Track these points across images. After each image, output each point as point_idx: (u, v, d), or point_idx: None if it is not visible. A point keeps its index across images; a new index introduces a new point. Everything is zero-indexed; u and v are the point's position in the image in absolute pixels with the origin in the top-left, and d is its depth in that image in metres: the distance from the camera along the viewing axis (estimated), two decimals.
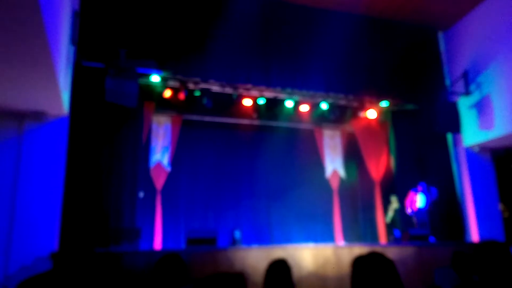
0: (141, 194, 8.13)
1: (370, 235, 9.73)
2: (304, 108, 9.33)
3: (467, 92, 8.91)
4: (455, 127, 8.67)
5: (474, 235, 8.67)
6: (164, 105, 8.79)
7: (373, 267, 1.88)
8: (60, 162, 6.22)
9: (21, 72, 4.66)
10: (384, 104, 9.29)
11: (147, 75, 7.60)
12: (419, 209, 8.96)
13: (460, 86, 9.01)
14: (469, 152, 9.14)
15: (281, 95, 8.83)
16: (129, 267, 5.62)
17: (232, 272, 1.79)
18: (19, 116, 6.06)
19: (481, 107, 8.71)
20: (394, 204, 9.74)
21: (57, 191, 6.10)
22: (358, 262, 1.94)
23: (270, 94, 8.76)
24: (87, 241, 6.21)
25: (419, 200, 9.03)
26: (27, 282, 1.43)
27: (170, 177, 9.15)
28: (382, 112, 9.78)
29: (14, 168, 5.93)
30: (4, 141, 5.99)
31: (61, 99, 5.63)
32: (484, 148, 9.09)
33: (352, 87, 8.72)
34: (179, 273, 2.74)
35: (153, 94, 8.20)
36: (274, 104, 9.15)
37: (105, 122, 7.08)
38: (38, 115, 6.06)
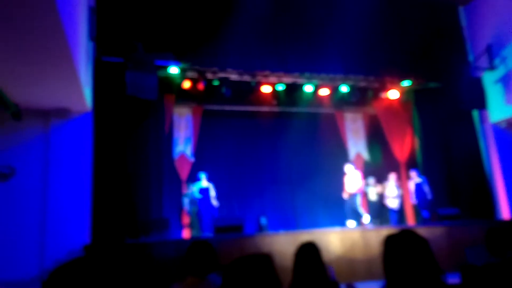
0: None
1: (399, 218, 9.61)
2: (324, 92, 9.23)
3: (492, 67, 8.65)
4: (481, 103, 8.44)
5: (504, 212, 8.48)
6: (184, 96, 8.84)
7: (406, 245, 1.83)
8: (87, 157, 6.35)
9: (43, 71, 4.75)
10: (406, 83, 9.12)
11: (166, 67, 7.65)
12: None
13: (484, 61, 8.75)
14: (496, 128, 8.90)
15: (300, 80, 8.76)
16: (159, 257, 5.72)
17: (258, 253, 1.80)
18: (45, 114, 6.21)
19: (507, 81, 8.45)
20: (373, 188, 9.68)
21: (86, 185, 6.24)
22: (390, 241, 1.90)
23: (288, 79, 8.70)
24: (117, 233, 6.34)
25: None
26: (59, 270, 1.46)
27: (194, 167, 9.23)
28: (404, 92, 9.61)
29: (43, 165, 6.09)
30: (32, 139, 6.15)
31: (83, 95, 5.73)
32: (511, 123, 8.83)
33: (372, 68, 8.57)
34: (210, 259, 2.77)
35: (172, 86, 8.26)
36: (293, 90, 9.09)
37: (127, 115, 7.17)
38: (63, 112, 6.20)
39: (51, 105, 6.01)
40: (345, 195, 9.17)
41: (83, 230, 6.07)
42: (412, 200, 9.26)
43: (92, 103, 6.49)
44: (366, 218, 8.92)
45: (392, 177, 9.61)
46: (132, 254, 5.78)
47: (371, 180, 9.78)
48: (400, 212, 9.52)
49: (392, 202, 9.48)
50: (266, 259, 1.79)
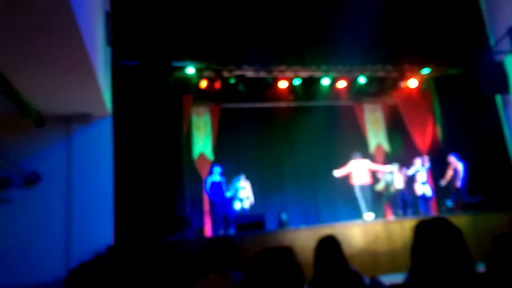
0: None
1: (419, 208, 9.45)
2: (341, 84, 9.15)
3: None
4: (504, 88, 8.25)
5: None
6: (201, 96, 8.91)
7: (438, 233, 1.78)
8: (108, 160, 6.48)
9: (63, 77, 4.85)
10: (425, 71, 8.95)
11: (183, 68, 7.71)
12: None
13: (505, 44, 8.49)
14: None
15: (316, 74, 8.70)
16: (182, 255, 5.80)
17: (280, 246, 1.81)
18: (67, 119, 6.35)
19: None
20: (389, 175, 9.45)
21: (108, 187, 6.37)
22: (421, 228, 1.85)
23: (305, 73, 8.65)
24: (140, 233, 6.45)
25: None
26: (80, 268, 1.50)
27: (211, 166, 9.30)
28: (424, 80, 9.44)
29: (67, 170, 6.24)
30: (55, 145, 6.30)
31: (103, 100, 5.84)
32: None
33: (390, 57, 8.44)
34: (230, 256, 2.80)
35: (189, 86, 8.32)
36: (310, 84, 9.03)
37: (146, 117, 7.27)
38: (84, 117, 6.33)
39: (72, 110, 6.14)
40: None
41: (107, 232, 6.21)
42: (457, 184, 8.73)
43: (111, 107, 6.61)
44: (369, 216, 8.74)
45: (418, 162, 9.25)
46: (156, 252, 5.88)
47: (395, 167, 9.38)
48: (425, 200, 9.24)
49: (422, 188, 9.15)
50: (288, 252, 1.80)
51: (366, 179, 9.10)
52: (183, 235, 7.02)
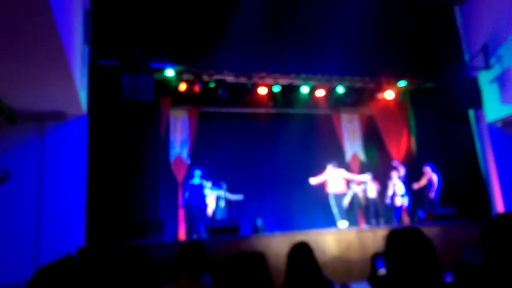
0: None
1: (392, 217, 9.61)
2: (320, 93, 9.25)
3: (487, 66, 8.66)
4: (477, 103, 8.47)
5: (500, 212, 8.47)
6: (180, 99, 8.85)
7: (410, 242, 1.82)
8: (82, 160, 6.36)
9: (38, 74, 4.75)
10: (402, 83, 9.13)
11: (162, 70, 7.66)
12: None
13: (479, 60, 8.76)
14: (492, 127, 8.90)
15: (296, 82, 8.77)
16: (155, 259, 5.72)
17: (250, 252, 1.80)
18: (40, 117, 6.21)
19: (503, 80, 8.45)
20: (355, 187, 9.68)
21: (81, 188, 6.25)
22: (394, 237, 1.89)
23: (285, 81, 8.71)
24: (113, 236, 6.35)
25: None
26: (44, 270, 1.47)
27: (191, 169, 9.22)
28: (400, 92, 9.63)
29: (38, 168, 6.09)
30: (27, 143, 6.15)
31: (78, 98, 5.74)
32: (507, 122, 8.84)
33: (368, 69, 8.59)
34: (201, 260, 2.78)
35: (168, 88, 8.26)
36: (290, 91, 9.10)
37: (123, 118, 7.19)
38: (58, 115, 6.20)
39: (46, 108, 6.02)
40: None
41: (78, 233, 6.08)
42: (432, 195, 8.90)
43: (87, 106, 6.50)
44: (343, 224, 8.85)
45: (395, 175, 9.51)
46: (128, 256, 5.79)
47: (369, 176, 9.63)
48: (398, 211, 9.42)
49: (400, 200, 9.31)
50: (258, 257, 1.79)
51: (341, 188, 9.21)
52: (156, 239, 6.93)
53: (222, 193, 8.97)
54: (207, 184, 8.69)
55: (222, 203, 8.97)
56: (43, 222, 5.90)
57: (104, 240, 6.23)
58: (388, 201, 9.36)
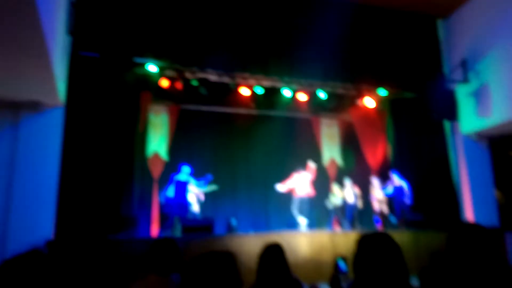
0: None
1: (365, 222, 9.77)
2: (302, 97, 9.30)
3: (466, 80, 8.88)
4: (452, 115, 8.70)
5: (470, 221, 8.72)
6: (161, 95, 8.75)
7: (379, 246, 1.86)
8: (56, 152, 6.26)
9: (16, 62, 4.66)
10: (382, 92, 9.27)
11: (144, 65, 7.58)
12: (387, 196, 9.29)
13: (458, 74, 8.98)
14: (466, 139, 9.14)
15: (278, 84, 8.80)
16: (126, 255, 5.67)
17: (221, 251, 1.82)
18: (15, 106, 6.08)
19: (479, 95, 8.69)
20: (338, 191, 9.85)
21: (53, 180, 6.14)
22: (364, 241, 1.94)
23: (267, 83, 8.74)
24: (83, 230, 6.26)
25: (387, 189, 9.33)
26: (9, 262, 1.45)
27: (167, 167, 9.16)
28: (380, 101, 9.77)
29: (10, 158, 5.96)
30: (0, 131, 6.01)
31: (56, 89, 5.65)
32: (481, 135, 9.10)
33: (350, 75, 8.70)
34: (172, 258, 2.77)
35: (149, 83, 8.16)
36: (272, 93, 9.12)
37: (101, 111, 7.09)
38: (34, 105, 6.09)
39: (22, 97, 5.89)
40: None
41: (48, 226, 5.97)
42: (406, 201, 9.07)
43: (65, 97, 6.40)
44: (302, 221, 9.00)
45: (376, 180, 9.70)
46: (98, 250, 5.72)
47: (348, 181, 9.80)
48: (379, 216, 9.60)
49: (380, 206, 9.52)
50: (229, 257, 1.81)
51: (308, 191, 9.28)
52: (128, 234, 6.86)
53: (207, 189, 8.96)
54: (193, 182, 8.66)
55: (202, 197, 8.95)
56: (12, 213, 5.77)
57: (74, 234, 6.13)
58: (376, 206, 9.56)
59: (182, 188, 8.34)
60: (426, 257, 6.08)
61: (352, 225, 9.34)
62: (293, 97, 9.25)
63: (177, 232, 7.94)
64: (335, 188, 10.00)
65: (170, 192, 8.37)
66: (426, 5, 9.14)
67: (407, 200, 8.97)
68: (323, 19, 8.42)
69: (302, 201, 9.19)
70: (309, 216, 9.17)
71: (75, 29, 6.46)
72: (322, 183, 10.69)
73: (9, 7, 3.49)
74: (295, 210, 9.21)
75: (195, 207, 8.86)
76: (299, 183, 9.28)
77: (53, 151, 6.25)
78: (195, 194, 8.89)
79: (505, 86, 8.09)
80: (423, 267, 3.80)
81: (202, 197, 9.03)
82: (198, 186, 8.80)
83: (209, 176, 8.95)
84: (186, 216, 8.27)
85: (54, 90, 5.65)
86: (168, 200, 8.43)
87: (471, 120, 8.88)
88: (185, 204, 8.39)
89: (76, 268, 5.30)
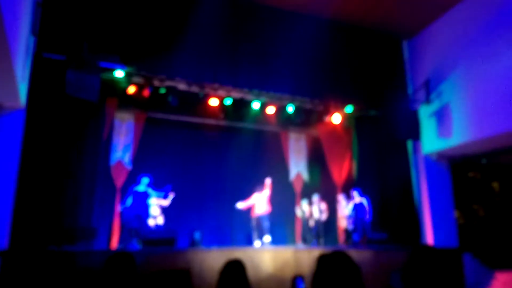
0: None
1: (330, 238, 9.83)
2: (271, 110, 9.34)
3: (428, 101, 9.16)
4: (415, 135, 8.95)
5: (429, 240, 8.93)
6: (127, 102, 8.55)
7: (337, 267, 1.87)
8: (13, 157, 5.98)
9: None
10: (348, 109, 9.44)
11: (111, 70, 7.41)
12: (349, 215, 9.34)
13: (421, 94, 9.27)
14: (428, 159, 9.41)
15: (248, 96, 8.82)
16: (83, 267, 5.44)
17: (177, 268, 1.76)
18: None
19: (441, 115, 8.97)
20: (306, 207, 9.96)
21: (8, 187, 5.86)
22: (323, 260, 1.94)
23: (237, 94, 8.73)
24: (39, 240, 5.99)
25: (347, 207, 9.42)
26: None
27: (131, 175, 8.92)
28: (346, 118, 9.93)
29: None
30: None
31: (17, 91, 5.43)
32: (442, 155, 9.38)
33: (318, 91, 8.83)
34: (128, 273, 2.66)
35: (116, 89, 7.95)
36: (241, 105, 9.11)
37: (64, 116, 6.85)
38: None
39: None
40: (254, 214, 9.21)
41: (2, 234, 5.68)
42: (365, 218, 9.11)
43: (26, 100, 6.15)
44: (259, 243, 8.89)
45: (342, 197, 9.80)
46: (53, 262, 5.47)
47: (316, 197, 9.84)
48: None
49: (344, 222, 9.57)
50: (184, 274, 1.75)
51: (265, 209, 9.20)
52: (86, 246, 6.60)
53: (166, 202, 8.72)
54: (153, 193, 8.44)
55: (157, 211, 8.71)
56: None
57: (29, 243, 5.85)
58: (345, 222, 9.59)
59: (140, 199, 8.15)
60: (387, 276, 6.18)
61: (317, 241, 9.38)
62: (262, 110, 9.28)
63: (136, 244, 7.73)
64: (303, 204, 10.02)
65: (128, 203, 8.16)
66: (392, 26, 9.42)
67: (367, 217, 9.08)
68: (293, 34, 8.55)
69: (261, 218, 9.11)
70: (271, 232, 9.10)
71: (40, 30, 6.25)
72: (288, 198, 10.72)
73: None
74: (253, 229, 9.11)
75: (160, 220, 8.63)
76: (258, 201, 9.21)
77: (11, 155, 5.97)
78: (158, 206, 8.67)
79: (465, 107, 8.38)
80: (386, 285, 3.85)
81: (166, 204, 8.75)
82: (158, 197, 8.59)
83: (169, 187, 8.75)
84: (143, 228, 8.05)
85: (15, 91, 5.43)
86: (126, 211, 8.21)
87: (432, 140, 9.15)
88: (143, 216, 8.19)
89: (30, 278, 5.06)
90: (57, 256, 5.53)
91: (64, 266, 5.44)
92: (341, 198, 9.85)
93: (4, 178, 5.85)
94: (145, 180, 8.29)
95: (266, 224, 9.00)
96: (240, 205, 9.22)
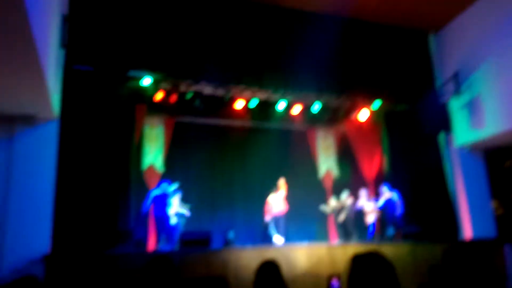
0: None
1: (364, 234, 9.72)
2: (297, 109, 9.33)
3: (458, 93, 8.96)
4: (445, 127, 8.82)
5: (467, 233, 8.71)
6: (156, 108, 8.73)
7: (372, 267, 1.86)
8: (51, 165, 6.19)
9: (10, 76, 4.63)
10: (376, 104, 9.32)
11: (139, 78, 7.58)
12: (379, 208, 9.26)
13: (451, 87, 9.06)
14: (461, 151, 9.19)
15: (273, 96, 8.83)
16: (123, 269, 5.60)
17: (213, 275, 1.80)
18: (10, 120, 6.03)
19: (472, 107, 8.76)
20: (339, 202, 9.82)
21: (48, 194, 6.07)
22: (357, 260, 1.94)
23: (262, 95, 8.76)
24: (80, 244, 6.18)
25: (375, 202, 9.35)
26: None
27: (164, 178, 9.09)
28: (374, 113, 9.81)
29: (5, 172, 5.90)
30: None
31: (50, 102, 5.61)
32: (475, 147, 9.14)
33: (345, 88, 8.76)
34: (168, 275, 2.73)
35: (144, 96, 8.12)
36: (267, 106, 9.13)
37: (96, 125, 7.05)
38: (28, 119, 6.04)
39: (16, 111, 5.85)
40: (268, 217, 9.16)
41: (44, 240, 5.89)
42: (396, 212, 9.00)
43: (59, 110, 6.36)
44: (279, 239, 8.85)
45: (363, 193, 9.70)
46: (95, 265, 5.64)
47: (346, 193, 9.78)
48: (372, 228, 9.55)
49: (370, 217, 9.50)
50: (222, 282, 1.79)
51: (281, 208, 9.16)
52: (124, 249, 6.77)
53: (184, 210, 8.79)
54: (174, 196, 8.57)
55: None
56: (8, 227, 5.70)
57: (71, 248, 6.06)
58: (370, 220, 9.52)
59: (160, 202, 8.31)
60: (425, 271, 6.07)
61: (350, 236, 9.30)
62: (288, 109, 9.27)
63: (172, 246, 7.88)
64: (332, 200, 9.95)
65: (149, 206, 8.33)
66: (418, 21, 9.26)
67: (398, 211, 8.93)
68: (318, 33, 8.52)
69: (277, 219, 9.05)
70: (303, 230, 9.06)
71: (69, 42, 6.45)
72: (318, 195, 10.66)
73: (0, 23, 3.47)
74: (272, 229, 9.07)
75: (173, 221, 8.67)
76: (275, 202, 9.17)
77: (48, 164, 6.18)
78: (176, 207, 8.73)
79: (497, 98, 8.18)
80: (421, 283, 3.79)
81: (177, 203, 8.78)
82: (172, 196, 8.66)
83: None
84: (171, 229, 8.21)
85: (48, 103, 5.62)
86: (148, 214, 8.38)
87: (465, 132, 8.94)
88: (165, 217, 8.32)
89: (74, 285, 5.24)
90: (101, 260, 5.71)
91: (107, 269, 5.61)
92: (363, 192, 9.69)
93: (44, 186, 6.06)
94: (165, 185, 8.44)
95: (282, 223, 8.97)
96: (267, 217, 9.18)
